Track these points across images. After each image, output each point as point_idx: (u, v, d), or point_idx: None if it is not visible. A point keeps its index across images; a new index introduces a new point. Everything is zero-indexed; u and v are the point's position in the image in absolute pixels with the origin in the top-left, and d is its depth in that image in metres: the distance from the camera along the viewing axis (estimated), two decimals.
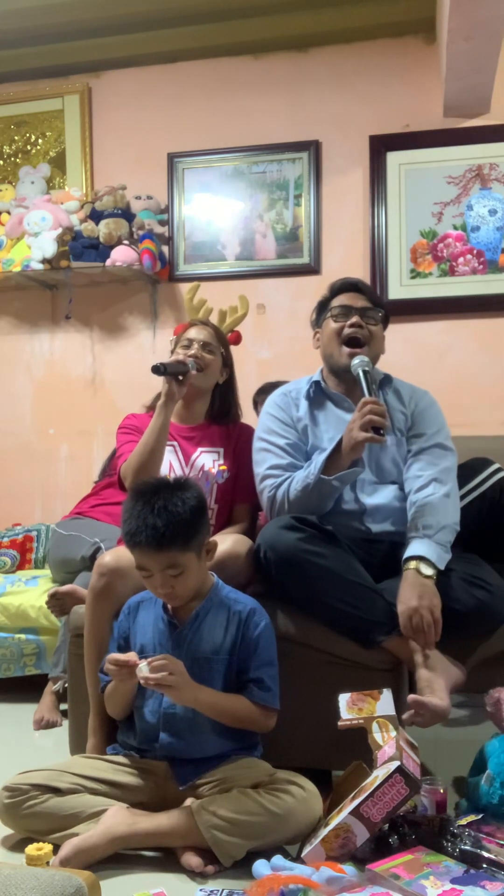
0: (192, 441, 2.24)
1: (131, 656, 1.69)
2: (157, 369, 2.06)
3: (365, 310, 2.13)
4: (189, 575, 1.72)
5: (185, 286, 3.61)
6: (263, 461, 2.11)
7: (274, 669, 1.79)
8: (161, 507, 1.68)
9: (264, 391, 3.13)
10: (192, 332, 2.27)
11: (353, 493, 2.05)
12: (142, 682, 1.64)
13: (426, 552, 1.88)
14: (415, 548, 1.90)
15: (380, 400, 2.08)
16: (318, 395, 2.18)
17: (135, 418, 2.29)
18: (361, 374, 2.02)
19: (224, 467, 2.21)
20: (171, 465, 2.19)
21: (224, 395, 2.31)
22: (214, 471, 2.20)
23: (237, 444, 2.26)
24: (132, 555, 1.74)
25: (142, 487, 1.76)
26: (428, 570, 1.86)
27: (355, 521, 2.05)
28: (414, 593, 1.83)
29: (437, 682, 1.79)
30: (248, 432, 2.29)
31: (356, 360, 2.05)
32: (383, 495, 2.07)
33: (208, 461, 2.21)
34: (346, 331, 2.10)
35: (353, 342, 2.10)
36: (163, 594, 1.75)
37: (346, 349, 2.10)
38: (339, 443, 1.96)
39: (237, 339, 2.40)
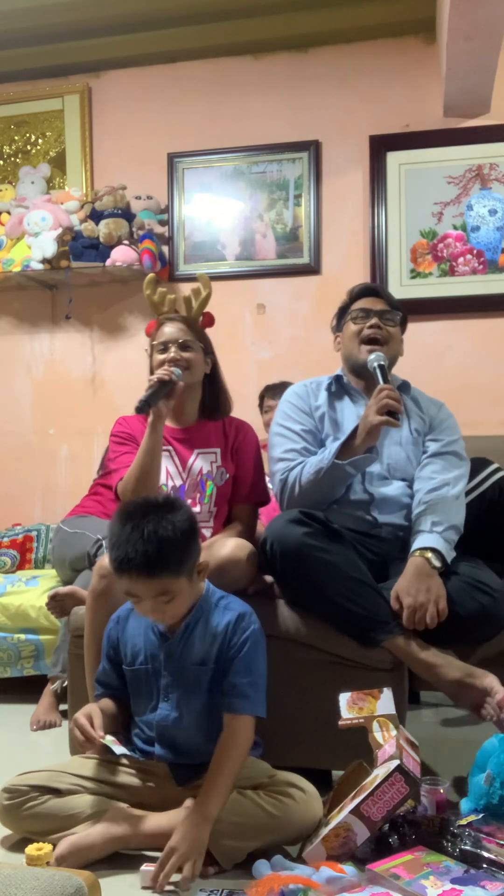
0: (187, 443, 2.18)
1: (98, 732, 1.63)
2: (141, 409, 1.99)
3: (383, 312, 2.19)
4: (180, 600, 1.67)
5: (186, 286, 3.61)
6: (278, 445, 2.15)
7: (256, 675, 1.72)
8: (151, 532, 1.59)
9: (271, 389, 3.15)
10: (166, 332, 2.17)
11: (362, 484, 2.08)
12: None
13: (436, 544, 1.92)
14: (424, 539, 1.94)
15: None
16: (338, 389, 2.23)
17: (126, 423, 2.22)
18: (377, 368, 2.07)
19: (222, 467, 2.17)
20: (167, 471, 2.14)
21: (211, 386, 2.23)
22: (213, 473, 2.16)
23: (235, 441, 2.21)
24: (120, 581, 1.67)
25: (129, 509, 1.67)
26: (437, 563, 1.90)
27: (362, 510, 2.07)
28: (422, 586, 1.85)
29: (464, 666, 1.84)
30: (245, 429, 2.25)
31: (372, 356, 2.10)
32: (392, 488, 2.10)
33: (206, 464, 2.16)
34: (366, 332, 2.16)
35: (372, 341, 2.16)
36: (153, 618, 1.71)
37: (365, 347, 2.15)
38: (354, 430, 2.01)
39: (211, 321, 2.30)
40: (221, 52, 3.56)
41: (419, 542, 1.94)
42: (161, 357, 2.13)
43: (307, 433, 2.14)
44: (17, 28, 3.37)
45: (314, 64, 3.52)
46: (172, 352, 2.13)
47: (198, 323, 2.28)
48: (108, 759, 1.78)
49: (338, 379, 2.24)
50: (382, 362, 2.08)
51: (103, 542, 2.63)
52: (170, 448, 2.16)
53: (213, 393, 2.24)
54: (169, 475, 2.15)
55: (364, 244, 3.47)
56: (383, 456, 2.12)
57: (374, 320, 2.17)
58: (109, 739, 1.66)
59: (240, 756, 1.66)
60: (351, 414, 2.17)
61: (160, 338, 2.18)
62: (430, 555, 1.90)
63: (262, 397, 3.23)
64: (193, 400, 2.21)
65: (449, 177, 3.38)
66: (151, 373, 2.19)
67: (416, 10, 3.25)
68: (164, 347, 2.15)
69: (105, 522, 2.77)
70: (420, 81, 3.41)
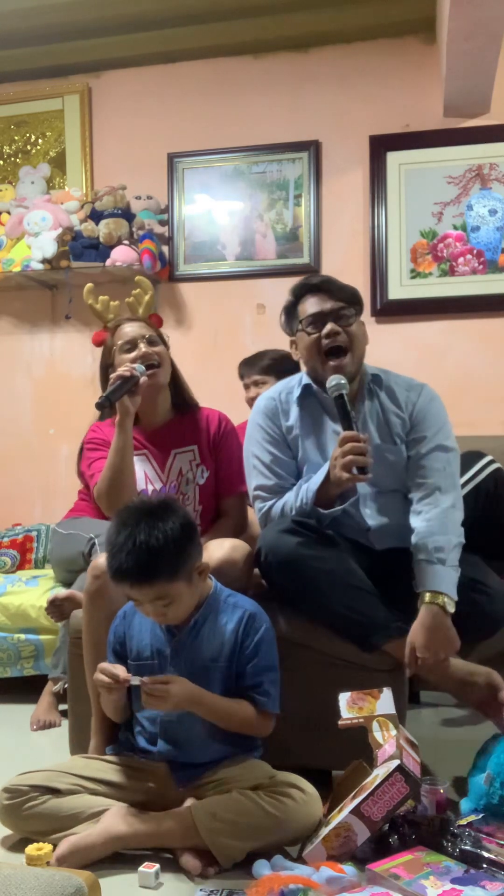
0: (164, 445, 2.15)
1: (119, 671, 1.68)
2: (102, 405, 1.94)
3: (337, 311, 1.99)
4: (180, 602, 1.68)
5: (186, 286, 3.62)
6: (250, 478, 2.08)
7: (274, 674, 1.77)
8: (143, 542, 1.60)
9: (247, 364, 3.11)
10: (128, 332, 2.12)
11: (356, 509, 2.01)
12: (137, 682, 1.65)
13: (447, 587, 1.82)
14: (434, 578, 1.83)
15: (371, 409, 2.05)
16: (309, 400, 2.07)
17: (99, 430, 2.20)
18: (337, 400, 1.91)
19: (201, 465, 2.15)
20: (146, 475, 2.12)
21: (175, 382, 2.21)
22: (193, 473, 2.14)
23: (213, 435, 2.18)
24: (119, 586, 1.69)
25: (123, 516, 1.67)
26: (451, 608, 1.82)
27: (360, 538, 2.02)
28: (439, 640, 1.79)
29: (466, 664, 1.84)
30: (222, 421, 2.22)
31: (332, 383, 1.92)
32: (387, 511, 2.01)
33: (185, 464, 2.15)
34: (324, 342, 1.97)
35: (335, 351, 1.97)
36: (155, 620, 1.73)
37: (330, 363, 1.97)
38: (328, 472, 1.90)
39: (160, 323, 2.32)
40: (221, 52, 3.56)
41: (429, 580, 1.83)
42: (129, 356, 2.07)
43: (276, 464, 2.03)
44: (17, 28, 3.37)
45: (314, 64, 3.52)
46: (142, 348, 2.08)
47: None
48: (107, 760, 1.78)
49: (307, 388, 2.06)
50: (343, 391, 1.90)
51: (96, 541, 2.63)
52: (145, 452, 2.14)
53: (178, 388, 2.22)
54: (148, 479, 2.13)
55: (364, 244, 3.47)
56: (371, 472, 1.97)
57: (329, 327, 1.96)
58: (136, 680, 1.67)
59: (244, 721, 1.72)
60: (326, 429, 2.05)
61: (123, 338, 2.12)
62: (445, 601, 1.80)
63: (240, 374, 3.16)
64: (165, 399, 2.18)
65: (449, 177, 3.38)
66: (106, 381, 2.14)
67: (416, 10, 3.25)
68: (131, 346, 2.10)
69: (98, 522, 2.77)
70: (420, 81, 3.41)
